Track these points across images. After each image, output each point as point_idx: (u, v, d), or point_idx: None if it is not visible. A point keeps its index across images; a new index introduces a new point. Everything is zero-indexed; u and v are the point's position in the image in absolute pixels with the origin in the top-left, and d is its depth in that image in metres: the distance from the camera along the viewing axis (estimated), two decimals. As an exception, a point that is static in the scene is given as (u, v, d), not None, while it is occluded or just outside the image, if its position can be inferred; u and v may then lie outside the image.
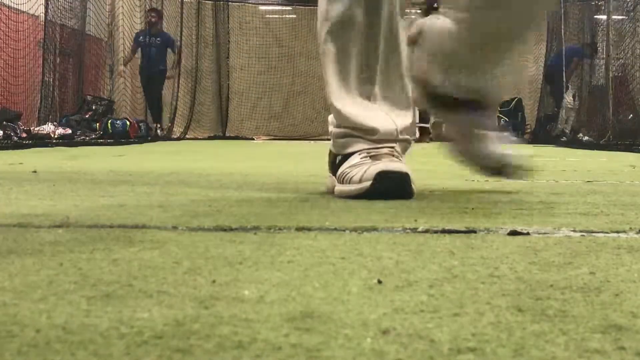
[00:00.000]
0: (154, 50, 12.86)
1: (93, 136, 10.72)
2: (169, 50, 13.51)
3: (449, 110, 2.85)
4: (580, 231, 1.83)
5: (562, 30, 14.70)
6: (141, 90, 14.05)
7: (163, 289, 1.16)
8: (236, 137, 16.18)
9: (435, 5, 10.70)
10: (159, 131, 12.38)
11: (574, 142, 11.49)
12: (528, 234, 1.77)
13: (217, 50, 17.16)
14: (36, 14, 10.77)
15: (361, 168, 2.56)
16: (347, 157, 2.71)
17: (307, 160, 6.02)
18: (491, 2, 2.46)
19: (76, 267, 1.32)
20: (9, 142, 8.19)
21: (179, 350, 0.84)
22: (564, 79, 13.46)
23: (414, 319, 0.98)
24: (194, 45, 16.39)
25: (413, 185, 2.52)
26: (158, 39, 12.92)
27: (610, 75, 11.65)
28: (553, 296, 1.13)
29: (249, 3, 17.55)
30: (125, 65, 13.38)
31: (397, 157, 2.66)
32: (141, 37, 13.10)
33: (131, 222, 1.91)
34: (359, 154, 2.67)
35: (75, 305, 1.04)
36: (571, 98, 13.48)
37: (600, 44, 12.61)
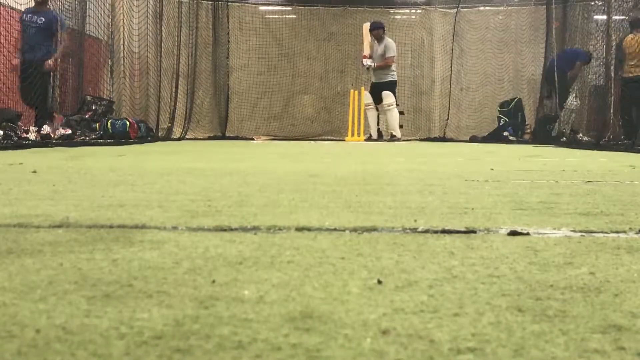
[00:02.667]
0: (35, 31, 10.11)
1: (93, 136, 10.69)
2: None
3: None
4: (580, 231, 1.83)
5: (563, 31, 14.70)
6: (141, 90, 13.97)
7: (163, 289, 1.16)
8: (236, 137, 16.15)
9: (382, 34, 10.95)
10: (32, 135, 9.14)
11: (573, 142, 11.48)
12: (528, 234, 1.77)
13: (216, 50, 17.15)
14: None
15: None
16: None
17: (307, 160, 6.01)
18: None
19: (76, 267, 1.32)
20: (9, 142, 8.17)
21: (179, 350, 0.84)
22: (566, 80, 13.46)
23: (414, 319, 0.98)
24: (193, 45, 16.36)
25: None
26: (41, 18, 10.15)
27: (611, 75, 11.65)
28: (553, 296, 1.13)
29: (249, 3, 17.53)
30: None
31: None
32: (24, 15, 10.17)
33: (131, 222, 1.91)
34: None
35: (75, 305, 1.04)
36: (572, 98, 13.48)
37: (594, 48, 12.62)
